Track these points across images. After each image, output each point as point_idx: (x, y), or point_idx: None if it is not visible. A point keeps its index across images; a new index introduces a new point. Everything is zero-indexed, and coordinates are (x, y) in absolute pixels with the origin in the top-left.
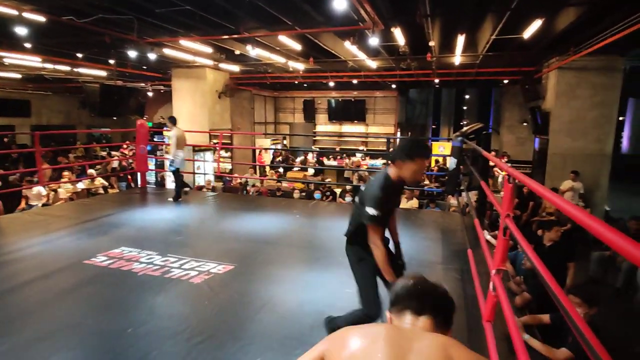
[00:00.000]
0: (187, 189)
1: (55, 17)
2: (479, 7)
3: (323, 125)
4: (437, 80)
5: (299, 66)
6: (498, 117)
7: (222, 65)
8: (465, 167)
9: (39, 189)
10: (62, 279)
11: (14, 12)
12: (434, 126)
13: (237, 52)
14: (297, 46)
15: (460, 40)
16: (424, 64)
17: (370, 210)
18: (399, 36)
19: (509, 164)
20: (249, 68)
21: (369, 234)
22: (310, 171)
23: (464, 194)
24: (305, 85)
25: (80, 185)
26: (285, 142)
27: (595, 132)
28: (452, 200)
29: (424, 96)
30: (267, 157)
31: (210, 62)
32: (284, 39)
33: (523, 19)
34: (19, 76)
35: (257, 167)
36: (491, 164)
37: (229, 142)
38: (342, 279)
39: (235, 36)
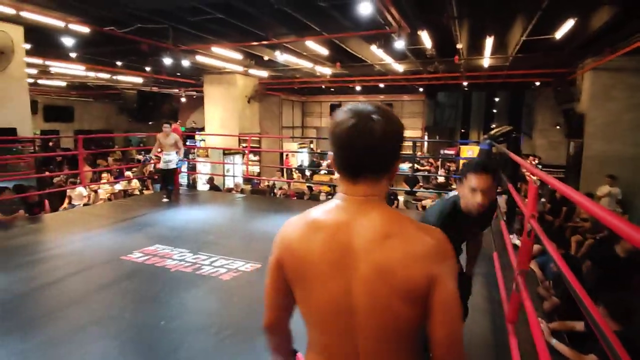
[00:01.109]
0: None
1: (98, 28)
2: (508, 8)
3: None
4: (465, 83)
5: (326, 71)
6: (530, 121)
7: (252, 71)
8: None
9: (80, 190)
10: (102, 274)
11: (61, 24)
12: (462, 130)
13: (266, 58)
14: (324, 51)
15: (489, 42)
16: (451, 66)
17: None
18: (426, 39)
19: (540, 167)
20: (277, 73)
21: None
22: (337, 174)
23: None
24: (332, 89)
25: (118, 187)
26: (312, 145)
27: (633, 134)
28: None
29: (453, 99)
30: (294, 161)
31: (240, 68)
32: (311, 44)
33: (554, 19)
34: (64, 84)
35: (285, 170)
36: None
37: (258, 145)
38: None
39: (265, 42)
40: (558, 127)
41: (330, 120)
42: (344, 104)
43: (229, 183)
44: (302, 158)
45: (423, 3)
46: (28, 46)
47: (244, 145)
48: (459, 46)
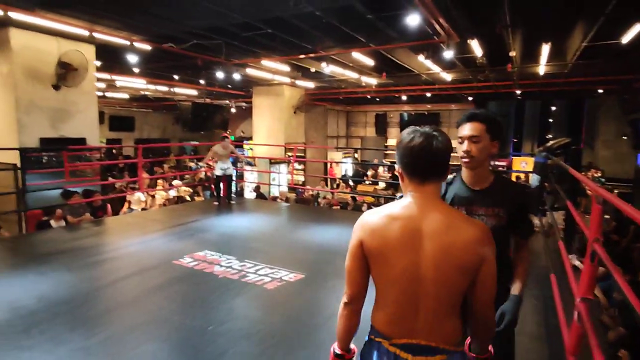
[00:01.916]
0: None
1: (159, 45)
2: (567, 14)
3: (395, 139)
4: (518, 92)
5: (372, 81)
6: (592, 131)
7: (299, 82)
8: (550, 185)
9: (139, 195)
10: (154, 276)
11: (127, 42)
12: (515, 140)
13: (313, 69)
14: (370, 62)
15: (545, 49)
16: (504, 75)
17: None
18: (476, 48)
19: (602, 181)
20: (323, 84)
21: None
22: (381, 185)
23: (547, 214)
24: (377, 99)
25: (172, 193)
26: (356, 155)
27: None
28: (534, 221)
29: (505, 108)
30: (338, 170)
31: (287, 80)
32: (357, 55)
33: (620, 24)
34: (126, 96)
35: (329, 179)
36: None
37: (303, 155)
38: None
39: (312, 55)
40: (625, 137)
41: (399, 139)
42: (389, 113)
43: (275, 191)
44: (345, 168)
45: (473, 12)
46: (98, 63)
47: (290, 154)
48: (511, 54)
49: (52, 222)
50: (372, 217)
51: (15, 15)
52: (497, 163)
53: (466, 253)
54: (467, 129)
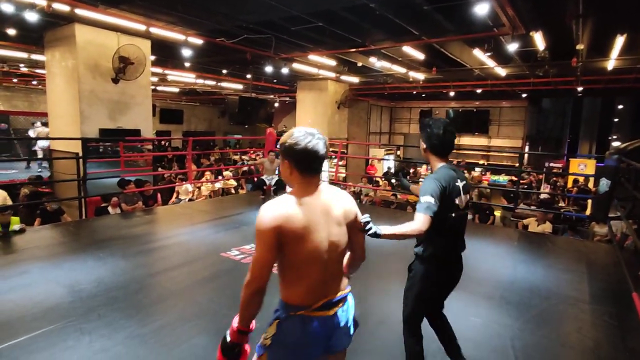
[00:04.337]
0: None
1: (211, 39)
2: None
3: None
4: (580, 88)
5: (419, 76)
6: None
7: (343, 77)
8: (622, 190)
9: (187, 186)
10: (204, 267)
11: (181, 37)
12: (569, 140)
13: (360, 64)
14: (420, 56)
15: (619, 41)
16: (565, 70)
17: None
18: (539, 41)
19: None
20: (368, 79)
21: None
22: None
23: (619, 222)
24: (423, 95)
25: (218, 185)
26: (399, 152)
27: None
28: (597, 228)
29: (560, 106)
30: (380, 167)
31: (332, 75)
32: (407, 49)
33: None
34: (176, 90)
35: (373, 177)
36: None
37: (344, 151)
38: (466, 302)
39: (362, 49)
40: None
41: (290, 139)
42: (435, 110)
43: None
44: (388, 165)
45: (541, 1)
46: (152, 58)
47: (332, 150)
48: (579, 47)
49: (110, 209)
50: (281, 208)
51: (80, 11)
52: (551, 164)
53: (351, 210)
54: None
